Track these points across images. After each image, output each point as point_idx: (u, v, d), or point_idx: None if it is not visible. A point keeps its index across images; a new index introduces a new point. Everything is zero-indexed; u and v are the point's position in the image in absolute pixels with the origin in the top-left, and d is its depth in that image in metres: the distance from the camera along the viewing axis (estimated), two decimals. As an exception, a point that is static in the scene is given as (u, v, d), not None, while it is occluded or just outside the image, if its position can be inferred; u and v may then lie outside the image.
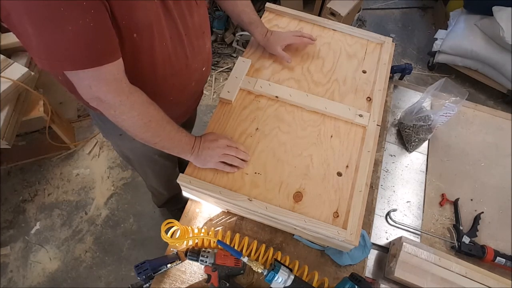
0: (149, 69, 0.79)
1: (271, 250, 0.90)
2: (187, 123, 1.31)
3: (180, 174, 0.87)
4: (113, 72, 0.66)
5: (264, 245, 0.92)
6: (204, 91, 2.46)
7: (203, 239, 0.93)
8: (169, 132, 0.81)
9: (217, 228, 0.98)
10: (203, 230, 0.94)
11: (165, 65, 0.81)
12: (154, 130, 0.77)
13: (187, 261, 0.92)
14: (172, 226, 0.92)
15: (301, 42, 1.14)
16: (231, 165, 0.87)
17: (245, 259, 0.84)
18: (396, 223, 1.11)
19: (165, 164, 1.24)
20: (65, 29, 0.57)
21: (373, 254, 1.05)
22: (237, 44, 2.62)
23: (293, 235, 0.98)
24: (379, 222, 1.11)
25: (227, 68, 2.58)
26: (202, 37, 0.89)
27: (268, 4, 1.27)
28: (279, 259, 0.88)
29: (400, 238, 1.00)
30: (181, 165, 1.52)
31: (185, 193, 0.94)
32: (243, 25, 1.11)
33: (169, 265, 0.89)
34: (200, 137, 0.89)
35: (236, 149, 0.88)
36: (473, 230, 1.09)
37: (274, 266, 0.80)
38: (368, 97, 1.07)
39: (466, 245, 1.05)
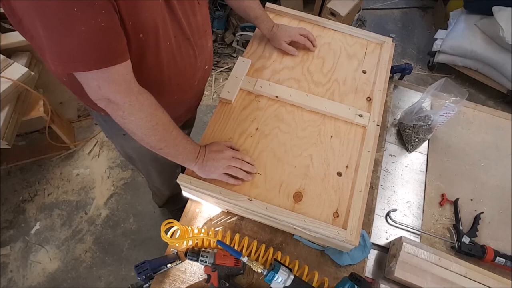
0: (155, 69, 0.79)
1: (271, 250, 0.90)
2: (187, 123, 1.31)
3: (180, 174, 0.87)
4: (122, 72, 0.66)
5: (264, 245, 0.92)
6: (204, 91, 2.45)
7: (203, 239, 0.93)
8: (175, 138, 0.80)
9: (217, 228, 0.98)
10: (203, 230, 0.94)
11: (170, 64, 0.81)
12: (160, 134, 0.77)
13: (187, 261, 0.92)
14: (172, 226, 0.92)
15: (304, 43, 1.15)
16: (235, 177, 0.86)
17: (245, 259, 0.84)
18: (396, 223, 1.11)
19: (168, 163, 1.24)
20: (78, 29, 0.57)
21: (373, 254, 1.05)
22: (237, 44, 2.62)
23: (293, 235, 0.98)
24: (379, 222, 1.11)
25: (227, 68, 2.58)
26: (204, 36, 0.90)
27: (268, 4, 1.27)
28: (279, 259, 0.88)
29: (400, 238, 1.00)
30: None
31: (185, 193, 0.94)
32: (249, 20, 1.12)
33: (169, 265, 0.89)
34: (205, 146, 0.88)
35: (241, 161, 0.87)
36: (473, 230, 1.09)
37: (274, 266, 0.80)
38: (368, 97, 1.07)
39: (466, 245, 1.05)
